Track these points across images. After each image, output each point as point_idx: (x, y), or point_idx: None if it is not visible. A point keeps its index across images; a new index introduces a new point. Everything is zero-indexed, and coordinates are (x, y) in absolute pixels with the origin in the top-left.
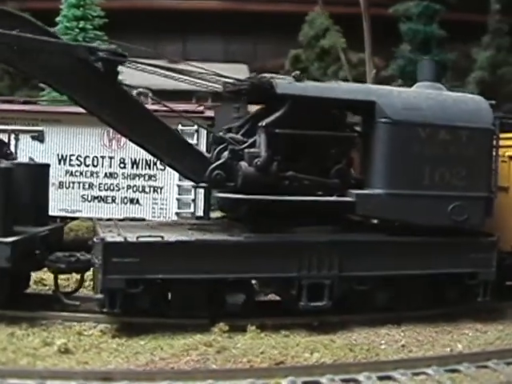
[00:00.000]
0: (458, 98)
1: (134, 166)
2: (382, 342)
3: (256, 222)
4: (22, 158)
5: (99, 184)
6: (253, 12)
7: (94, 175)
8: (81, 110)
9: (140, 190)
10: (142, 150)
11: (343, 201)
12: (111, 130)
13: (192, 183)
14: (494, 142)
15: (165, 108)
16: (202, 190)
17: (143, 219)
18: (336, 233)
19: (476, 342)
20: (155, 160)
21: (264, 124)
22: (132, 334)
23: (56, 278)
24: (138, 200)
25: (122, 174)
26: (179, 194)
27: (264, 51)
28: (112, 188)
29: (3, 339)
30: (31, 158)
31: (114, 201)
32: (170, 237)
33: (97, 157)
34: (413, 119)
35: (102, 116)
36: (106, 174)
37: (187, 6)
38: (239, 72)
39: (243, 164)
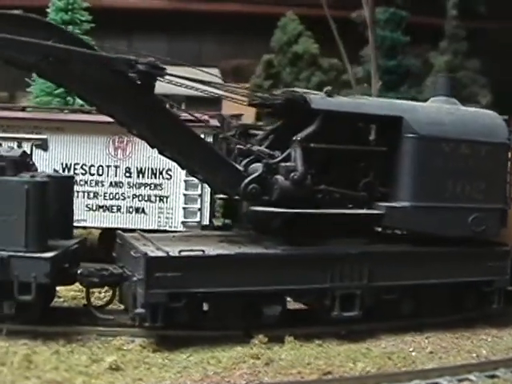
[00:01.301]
0: (475, 113)
1: (140, 175)
2: (411, 349)
3: (290, 234)
4: None
5: (104, 193)
6: (198, 12)
7: (99, 184)
8: (85, 118)
9: (146, 199)
10: (148, 159)
11: (373, 213)
12: (117, 139)
13: (198, 192)
14: (510, 156)
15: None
16: (208, 199)
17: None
18: (365, 244)
19: (497, 348)
20: (161, 169)
21: (299, 138)
22: (171, 347)
23: (88, 292)
24: (143, 209)
25: (128, 183)
26: (185, 203)
27: (208, 52)
28: (117, 197)
29: (50, 357)
30: (55, 170)
31: (119, 210)
32: (211, 250)
33: (102, 166)
34: (436, 134)
35: (136, 129)
36: (111, 183)
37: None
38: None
39: (280, 178)
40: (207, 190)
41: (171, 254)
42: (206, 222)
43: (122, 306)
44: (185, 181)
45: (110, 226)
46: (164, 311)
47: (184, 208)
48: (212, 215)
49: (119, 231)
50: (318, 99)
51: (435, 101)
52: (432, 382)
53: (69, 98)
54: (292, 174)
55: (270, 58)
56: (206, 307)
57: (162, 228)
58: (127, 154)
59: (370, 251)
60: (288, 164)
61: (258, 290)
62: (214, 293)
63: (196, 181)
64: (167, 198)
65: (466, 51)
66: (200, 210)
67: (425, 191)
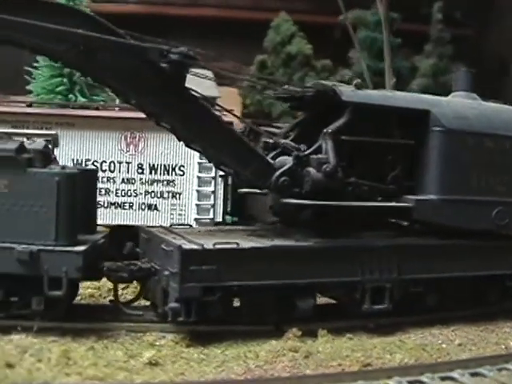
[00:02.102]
0: (496, 108)
1: (153, 172)
2: (439, 341)
3: (319, 227)
4: None
5: (116, 190)
6: (175, 16)
7: (111, 181)
8: (96, 113)
9: (158, 195)
10: (161, 155)
11: (403, 206)
12: (129, 135)
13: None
14: None
15: None
16: (220, 196)
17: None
18: (393, 237)
19: None
20: (174, 165)
21: (330, 131)
22: (204, 342)
23: (116, 288)
24: (156, 206)
25: (140, 180)
26: (198, 200)
27: None
28: (129, 194)
29: (86, 353)
30: (78, 163)
31: (131, 207)
32: (244, 243)
33: (114, 162)
34: (462, 128)
35: (166, 120)
36: (123, 179)
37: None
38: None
39: (311, 170)
40: (220, 186)
41: (206, 246)
42: (219, 218)
43: (146, 302)
44: (198, 177)
45: (122, 223)
46: (197, 305)
47: (197, 205)
48: (225, 212)
49: (142, 226)
50: (349, 92)
51: (456, 96)
52: (473, 372)
53: (71, 96)
54: (324, 167)
55: (264, 58)
56: (237, 302)
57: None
58: (139, 150)
59: (400, 244)
60: (320, 156)
61: (291, 283)
62: (248, 286)
63: (209, 177)
64: (180, 194)
65: (451, 55)
66: (213, 206)
67: (451, 184)
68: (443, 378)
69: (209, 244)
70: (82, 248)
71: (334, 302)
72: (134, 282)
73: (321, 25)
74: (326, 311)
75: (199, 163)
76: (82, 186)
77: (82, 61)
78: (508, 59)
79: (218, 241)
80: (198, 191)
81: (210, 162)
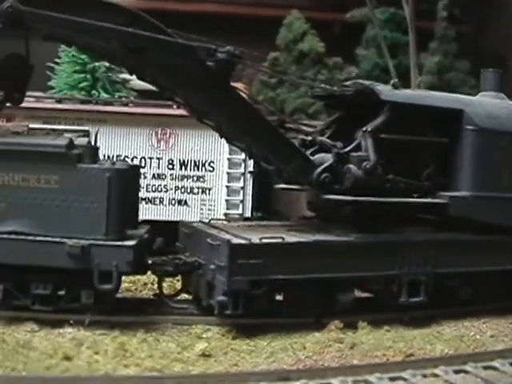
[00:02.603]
0: None
1: (183, 167)
2: (472, 333)
3: (359, 222)
4: None
5: (147, 185)
6: (175, 12)
7: (142, 176)
8: (128, 110)
9: (188, 191)
10: (191, 151)
11: (439, 202)
12: (159, 131)
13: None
14: None
15: None
16: (249, 191)
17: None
18: (430, 232)
19: None
20: (203, 161)
21: (370, 129)
22: (249, 335)
23: (160, 282)
24: (186, 201)
25: (170, 175)
26: (228, 195)
27: None
28: (160, 189)
29: (141, 346)
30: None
31: (161, 202)
32: (289, 238)
33: (144, 157)
34: (494, 127)
35: (212, 117)
36: (153, 175)
37: None
38: None
39: (352, 167)
40: (249, 182)
41: (253, 241)
42: (247, 214)
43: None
44: (227, 173)
45: (153, 218)
46: (244, 299)
47: (226, 200)
48: (254, 207)
49: (183, 221)
50: (387, 91)
51: (484, 95)
52: None
53: (93, 92)
54: (364, 164)
55: (276, 55)
56: (279, 295)
57: (204, 220)
58: (170, 145)
59: (435, 239)
60: (360, 154)
61: (333, 276)
62: (292, 280)
63: (238, 173)
64: (210, 189)
65: (455, 52)
66: (242, 202)
67: (483, 181)
68: (485, 367)
69: (255, 238)
70: (132, 242)
71: (368, 295)
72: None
73: (321, 21)
74: (362, 304)
75: (229, 159)
76: (128, 181)
77: (132, 59)
78: (506, 56)
79: (265, 235)
80: (227, 187)
81: (250, 159)
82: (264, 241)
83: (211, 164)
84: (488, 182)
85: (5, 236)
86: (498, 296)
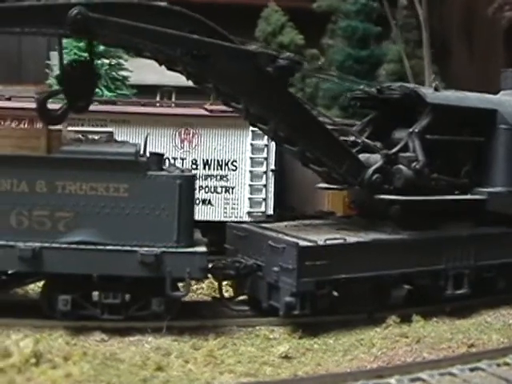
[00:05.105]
0: None
1: (206, 167)
2: (511, 321)
3: (408, 220)
4: None
5: None
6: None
7: None
8: (151, 110)
9: (212, 190)
10: (214, 151)
11: (479, 199)
12: (183, 131)
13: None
14: None
15: None
16: (272, 189)
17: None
18: (469, 227)
19: None
20: (226, 160)
21: (417, 131)
22: (312, 333)
23: (220, 285)
24: (209, 201)
25: None
26: (251, 194)
27: None
28: None
29: (224, 351)
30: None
31: None
32: (349, 238)
33: (168, 158)
34: None
35: (271, 122)
36: None
37: None
38: None
39: (403, 167)
40: (271, 180)
41: (319, 243)
42: (270, 211)
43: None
44: (250, 171)
45: None
46: (311, 299)
47: (249, 198)
48: (276, 205)
49: (232, 223)
50: (431, 94)
51: (506, 94)
52: None
53: (97, 91)
54: (414, 164)
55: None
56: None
57: (227, 219)
58: (193, 145)
59: (476, 233)
60: (409, 154)
61: (388, 273)
62: (353, 278)
63: (261, 171)
64: (233, 188)
65: (416, 40)
66: (265, 200)
67: None
68: None
69: (320, 240)
70: (203, 248)
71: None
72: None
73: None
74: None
75: (251, 158)
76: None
77: (194, 65)
78: (449, 42)
79: (329, 237)
80: (250, 185)
81: (300, 161)
82: (328, 242)
83: (234, 163)
84: None
85: (73, 246)
86: None
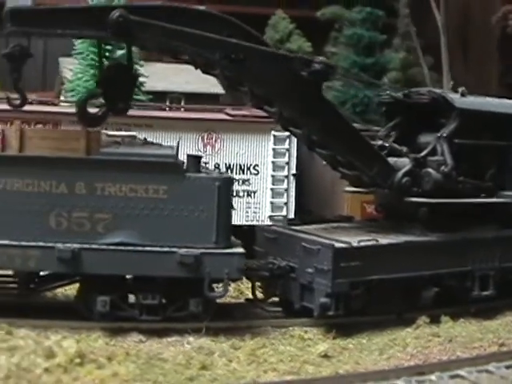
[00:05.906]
0: None
1: (228, 171)
2: None
3: (436, 223)
4: None
5: None
6: None
7: None
8: (175, 114)
9: (234, 194)
10: (236, 155)
11: (506, 202)
12: (206, 135)
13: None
14: None
15: None
16: (293, 193)
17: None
18: (495, 230)
19: None
20: (248, 165)
21: (445, 135)
22: (346, 334)
23: (254, 287)
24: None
25: None
26: (272, 198)
27: None
28: None
29: (265, 351)
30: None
31: None
32: (382, 240)
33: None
34: None
35: (303, 126)
36: None
37: None
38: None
39: (432, 171)
40: (292, 184)
41: (354, 244)
42: (291, 215)
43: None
44: (271, 176)
45: None
46: (345, 300)
47: (271, 202)
48: (297, 209)
49: (262, 226)
50: (459, 99)
51: None
52: None
53: None
54: (442, 168)
55: None
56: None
57: (249, 223)
58: (216, 150)
59: (501, 235)
60: (438, 158)
61: (419, 274)
62: (386, 279)
63: (282, 176)
64: (255, 192)
65: (420, 47)
66: (286, 204)
67: None
68: None
69: (354, 242)
70: (241, 249)
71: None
72: None
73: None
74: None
75: (273, 162)
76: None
77: (231, 69)
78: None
79: (361, 238)
80: (272, 189)
81: (330, 164)
82: (362, 244)
83: (256, 167)
84: None
85: (112, 247)
86: None
